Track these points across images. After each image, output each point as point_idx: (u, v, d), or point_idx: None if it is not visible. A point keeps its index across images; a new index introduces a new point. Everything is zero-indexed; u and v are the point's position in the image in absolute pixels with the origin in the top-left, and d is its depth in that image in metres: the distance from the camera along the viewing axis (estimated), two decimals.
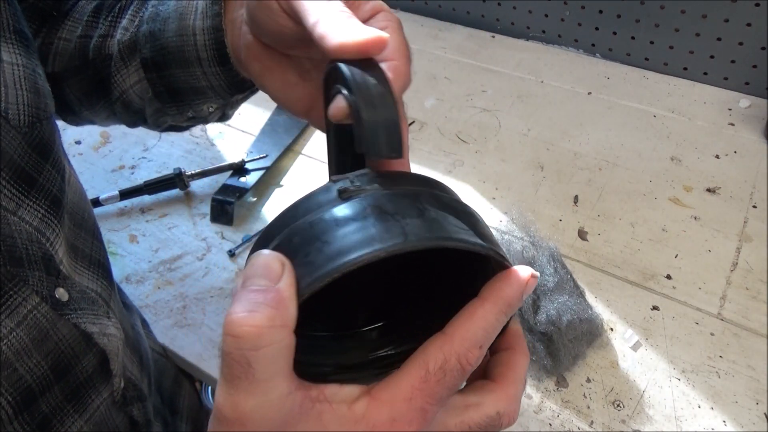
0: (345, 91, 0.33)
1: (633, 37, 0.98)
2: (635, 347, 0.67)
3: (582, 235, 0.79)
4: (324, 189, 0.31)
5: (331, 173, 0.39)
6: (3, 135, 0.40)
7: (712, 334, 0.67)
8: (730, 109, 0.92)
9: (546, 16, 1.05)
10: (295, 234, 0.29)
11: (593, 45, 1.04)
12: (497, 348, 0.35)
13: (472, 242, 0.29)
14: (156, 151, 1.01)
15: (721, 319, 0.69)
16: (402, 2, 1.18)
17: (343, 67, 0.33)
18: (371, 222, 0.28)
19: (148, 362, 0.60)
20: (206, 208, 0.89)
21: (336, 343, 0.33)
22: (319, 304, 0.28)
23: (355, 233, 0.27)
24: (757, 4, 0.84)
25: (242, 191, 0.88)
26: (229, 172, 0.92)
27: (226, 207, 0.87)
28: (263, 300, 0.26)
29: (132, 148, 1.02)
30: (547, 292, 0.67)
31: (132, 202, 0.92)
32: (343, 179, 0.31)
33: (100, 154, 1.01)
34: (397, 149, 0.31)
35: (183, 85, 0.53)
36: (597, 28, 1.01)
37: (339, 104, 0.33)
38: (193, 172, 0.92)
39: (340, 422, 0.28)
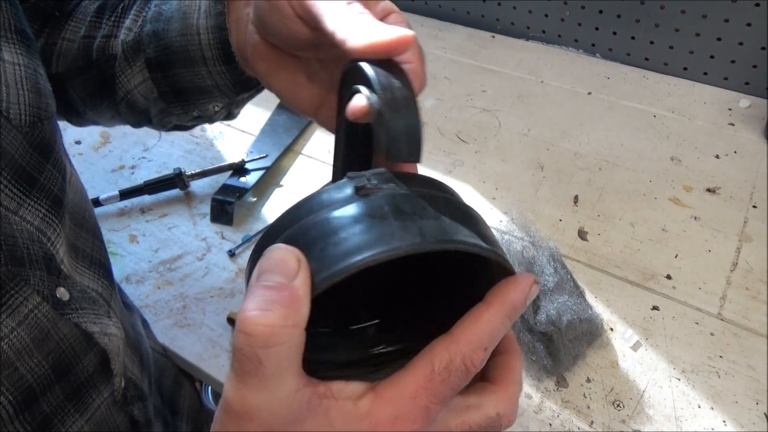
0: (367, 92, 0.33)
1: (633, 37, 0.98)
2: (635, 347, 0.67)
3: (582, 235, 0.79)
4: (340, 185, 0.31)
5: (336, 170, 0.40)
6: (4, 135, 0.40)
7: (712, 334, 0.68)
8: (730, 109, 0.92)
9: (546, 16, 1.05)
10: (311, 228, 0.29)
11: (593, 45, 1.04)
12: (495, 351, 0.35)
13: (485, 247, 0.29)
14: (156, 151, 1.01)
15: (721, 319, 0.69)
16: (402, 2, 1.18)
17: (368, 68, 0.33)
18: (389, 220, 0.28)
19: (148, 362, 0.60)
20: (206, 208, 0.89)
21: (333, 340, 0.34)
22: (320, 300, 0.28)
23: (372, 230, 0.28)
24: (757, 4, 0.84)
25: (242, 191, 0.88)
26: (229, 172, 0.92)
27: (226, 207, 0.87)
28: (277, 298, 0.26)
29: (132, 148, 1.02)
30: (547, 292, 0.67)
31: (132, 202, 0.92)
32: (360, 177, 0.31)
33: (100, 154, 1.01)
34: (417, 154, 0.32)
35: (188, 84, 0.53)
36: (597, 28, 1.01)
37: (359, 104, 0.34)
38: (193, 172, 0.92)
39: (345, 418, 0.29)
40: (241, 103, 0.59)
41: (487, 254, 0.30)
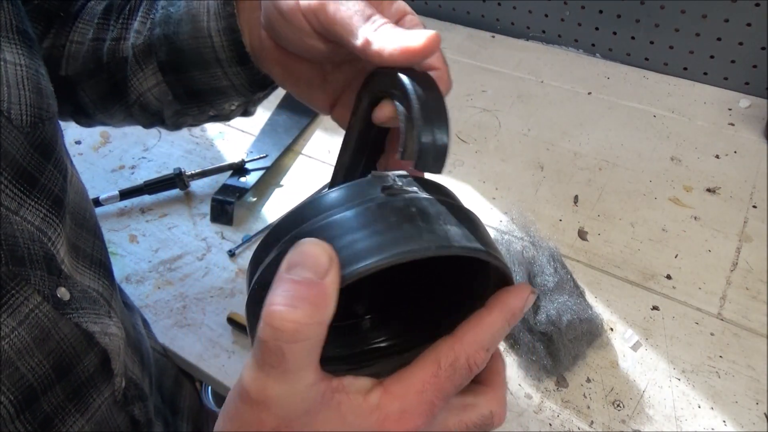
0: (399, 99, 0.35)
1: (633, 37, 0.98)
2: (635, 347, 0.68)
3: (582, 235, 0.79)
4: (365, 182, 0.32)
5: (341, 166, 0.41)
6: (5, 135, 0.40)
7: (712, 334, 0.68)
8: (730, 109, 0.92)
9: (546, 16, 1.05)
10: (338, 221, 0.30)
11: (593, 45, 1.04)
12: None
13: (499, 258, 0.32)
14: (156, 151, 1.01)
15: (721, 319, 0.69)
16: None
17: (405, 79, 0.34)
18: (416, 222, 0.29)
19: (149, 362, 0.60)
20: (206, 208, 0.89)
21: (331, 332, 0.34)
22: None
23: (401, 229, 0.29)
24: (757, 4, 0.84)
25: (242, 191, 0.88)
26: (229, 172, 0.92)
27: (226, 207, 0.87)
28: (306, 295, 0.26)
29: (132, 148, 1.02)
30: (547, 292, 0.67)
31: (132, 202, 0.92)
32: (385, 177, 0.33)
33: (100, 154, 1.01)
34: (441, 167, 0.34)
35: (203, 86, 0.53)
36: (597, 28, 1.01)
37: (387, 108, 0.36)
38: (193, 172, 0.92)
39: (356, 412, 0.30)
40: (258, 101, 0.58)
41: (500, 264, 0.32)
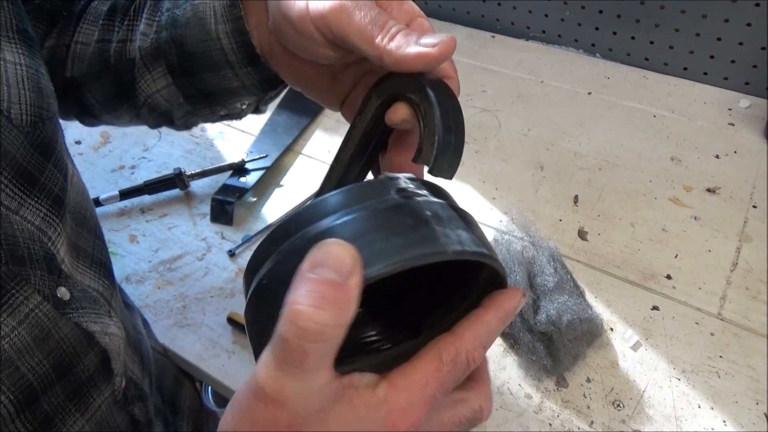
0: (417, 106, 0.36)
1: (633, 37, 0.98)
2: (635, 347, 0.68)
3: (582, 235, 0.79)
4: (380, 183, 0.33)
5: (341, 163, 0.41)
6: (5, 134, 0.40)
7: (712, 334, 0.68)
8: (730, 109, 0.92)
9: (546, 16, 1.05)
10: (358, 221, 0.30)
11: (593, 45, 1.04)
12: None
13: (500, 263, 0.33)
14: (156, 151, 1.01)
15: (721, 319, 0.69)
16: None
17: (426, 84, 0.36)
18: (431, 225, 0.30)
19: (149, 362, 0.60)
20: (206, 208, 0.89)
21: None
22: None
23: (417, 231, 0.30)
24: (757, 4, 0.84)
25: (242, 191, 0.88)
26: (229, 172, 0.92)
27: (226, 207, 0.87)
28: (331, 297, 0.26)
29: (132, 148, 1.02)
30: (547, 292, 0.67)
31: (132, 202, 0.92)
32: (397, 179, 0.33)
33: (100, 154, 1.01)
34: (453, 174, 0.35)
35: (215, 87, 0.53)
36: (597, 28, 1.01)
37: (402, 111, 0.37)
38: (193, 172, 0.92)
39: (366, 406, 0.31)
40: (270, 100, 0.58)
41: (500, 269, 0.33)
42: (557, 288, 0.68)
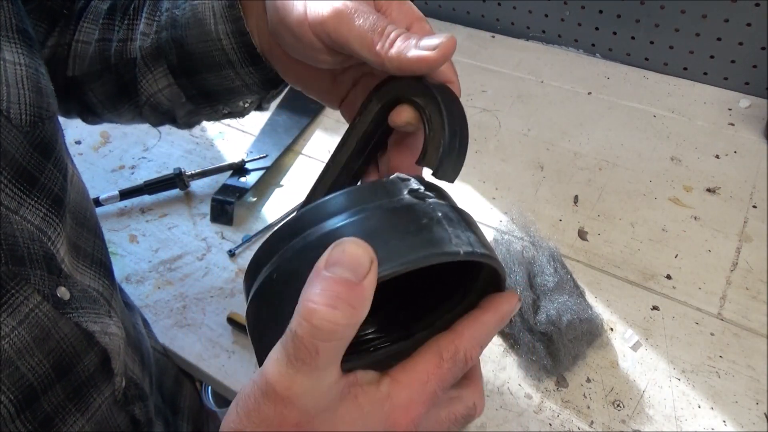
0: (422, 109, 0.36)
1: (633, 37, 0.98)
2: (635, 347, 0.68)
3: (582, 235, 0.79)
4: (391, 183, 0.33)
5: (337, 162, 0.41)
6: (5, 134, 0.40)
7: (712, 334, 0.68)
8: (730, 109, 0.92)
9: (546, 16, 1.05)
10: (372, 218, 0.31)
11: (593, 45, 1.04)
12: None
13: (503, 268, 0.34)
14: (156, 151, 1.01)
15: (721, 319, 0.69)
16: None
17: (433, 88, 0.36)
18: (443, 226, 0.31)
19: (149, 361, 0.60)
20: (206, 208, 0.89)
21: None
22: None
23: (431, 231, 0.30)
24: (757, 4, 0.84)
25: (242, 191, 0.88)
26: (229, 172, 0.92)
27: (226, 207, 0.87)
28: (346, 297, 0.27)
29: (132, 148, 1.02)
30: (547, 292, 0.67)
31: (132, 202, 0.92)
32: (408, 180, 0.34)
33: (100, 154, 1.01)
34: (456, 177, 0.36)
35: (217, 87, 0.53)
36: (597, 28, 1.01)
37: (407, 113, 0.38)
38: (193, 172, 0.92)
39: (371, 402, 0.31)
40: (272, 98, 0.58)
41: (501, 272, 0.34)
42: (557, 288, 0.68)
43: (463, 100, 0.39)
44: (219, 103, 0.55)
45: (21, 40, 0.43)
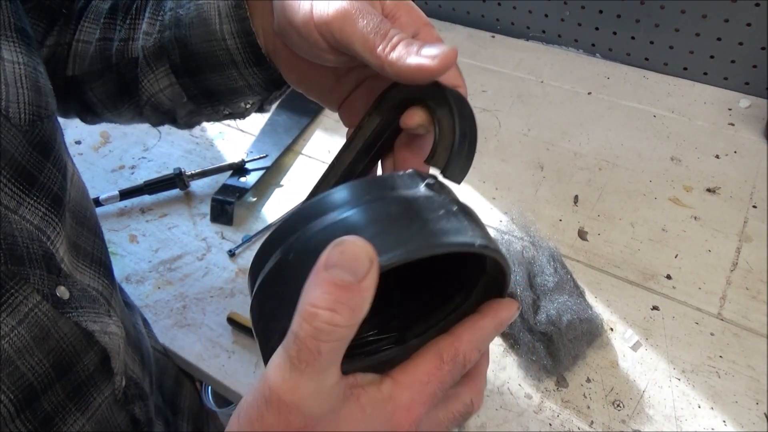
0: (434, 111, 0.37)
1: (633, 37, 0.98)
2: (635, 347, 0.67)
3: (582, 235, 0.79)
4: (409, 176, 0.34)
5: (341, 162, 0.42)
6: (3, 133, 0.40)
7: (712, 334, 0.68)
8: (730, 109, 0.92)
9: (546, 16, 1.05)
10: (389, 203, 0.31)
11: (593, 45, 1.04)
12: None
13: (510, 268, 0.35)
14: (156, 151, 1.01)
15: (721, 319, 0.69)
16: None
17: (446, 91, 0.37)
18: (460, 217, 0.31)
19: (149, 361, 0.60)
20: (206, 208, 0.89)
21: None
22: None
23: (449, 221, 0.31)
24: (757, 4, 0.84)
25: (242, 191, 0.88)
26: (229, 172, 0.92)
27: (226, 207, 0.87)
28: (347, 300, 0.27)
29: (132, 148, 1.02)
30: (547, 292, 0.67)
31: (132, 202, 0.92)
32: (424, 174, 0.34)
33: (100, 154, 1.01)
34: (463, 178, 0.37)
35: (219, 87, 0.53)
36: (597, 28, 1.01)
37: (419, 115, 0.38)
38: (193, 172, 0.92)
39: (373, 403, 0.31)
40: (274, 99, 0.58)
41: (508, 272, 0.35)
42: (557, 288, 0.68)
43: None
44: (221, 103, 0.55)
45: (19, 39, 0.43)
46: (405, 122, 0.39)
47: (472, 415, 0.37)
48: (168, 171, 0.92)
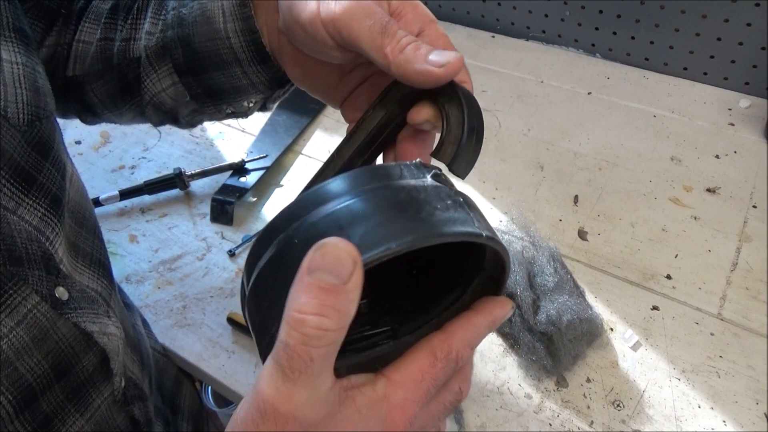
0: (442, 106, 0.37)
1: (633, 37, 0.98)
2: (635, 347, 0.67)
3: (582, 235, 0.79)
4: (417, 167, 0.34)
5: (339, 158, 0.42)
6: (2, 134, 0.40)
7: (712, 334, 0.67)
8: (730, 109, 0.92)
9: (546, 16, 1.05)
10: (399, 190, 0.31)
11: (593, 45, 1.04)
12: None
13: (509, 262, 0.35)
14: (156, 151, 1.01)
15: (721, 319, 0.69)
16: None
17: (457, 86, 0.37)
18: (465, 209, 0.32)
19: (149, 362, 0.60)
20: (206, 208, 0.89)
21: None
22: None
23: (456, 212, 0.31)
24: (757, 4, 0.84)
25: (242, 191, 0.88)
26: (229, 172, 0.92)
27: (226, 207, 0.87)
28: (333, 303, 0.26)
29: (132, 148, 1.02)
30: (547, 292, 0.67)
31: (132, 202, 0.92)
32: (430, 166, 0.35)
33: (100, 154, 1.01)
34: (467, 173, 0.37)
35: (223, 86, 0.53)
36: (597, 28, 1.01)
37: (427, 111, 0.39)
38: (193, 172, 0.92)
39: (368, 403, 0.31)
40: (278, 98, 0.58)
41: (508, 268, 0.35)
42: (557, 288, 0.68)
43: None
44: (224, 102, 0.55)
45: (18, 39, 0.43)
46: (412, 117, 0.39)
47: (461, 402, 0.38)
48: (168, 171, 0.92)
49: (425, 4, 1.15)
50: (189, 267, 0.83)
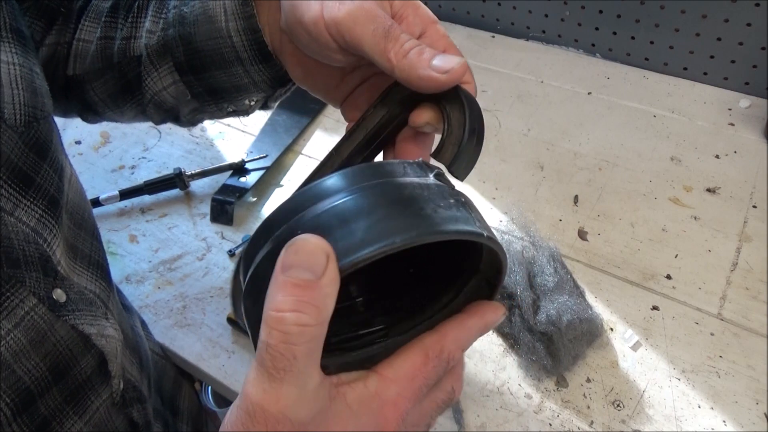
0: (444, 108, 0.38)
1: (633, 37, 0.98)
2: (635, 347, 0.67)
3: (582, 235, 0.79)
4: (419, 165, 0.34)
5: (337, 156, 0.42)
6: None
7: (712, 334, 0.67)
8: (730, 109, 0.92)
9: (546, 16, 1.05)
10: (402, 187, 0.31)
11: (593, 45, 1.04)
12: None
13: (507, 264, 0.36)
14: (156, 151, 1.01)
15: (721, 319, 0.69)
16: None
17: (461, 90, 0.37)
18: (467, 208, 0.32)
19: (147, 364, 0.60)
20: (206, 208, 0.89)
21: None
22: None
23: (459, 210, 0.31)
24: (757, 4, 0.84)
25: (242, 191, 0.88)
26: (229, 172, 0.92)
27: (226, 207, 0.87)
28: (310, 299, 0.27)
29: (132, 148, 1.02)
30: (547, 292, 0.67)
31: (132, 202, 0.92)
32: (432, 166, 0.35)
33: (100, 154, 1.01)
34: (467, 174, 0.37)
35: (224, 84, 0.53)
36: (597, 28, 1.01)
37: (428, 113, 0.39)
38: (193, 172, 0.92)
39: (360, 399, 0.32)
40: (279, 97, 0.58)
41: (504, 269, 0.35)
42: (557, 288, 0.68)
43: None
44: (225, 101, 0.55)
45: (15, 40, 0.43)
46: (414, 120, 0.39)
47: (454, 401, 0.38)
48: (168, 171, 0.92)
49: (426, 4, 1.15)
50: (189, 267, 0.83)
